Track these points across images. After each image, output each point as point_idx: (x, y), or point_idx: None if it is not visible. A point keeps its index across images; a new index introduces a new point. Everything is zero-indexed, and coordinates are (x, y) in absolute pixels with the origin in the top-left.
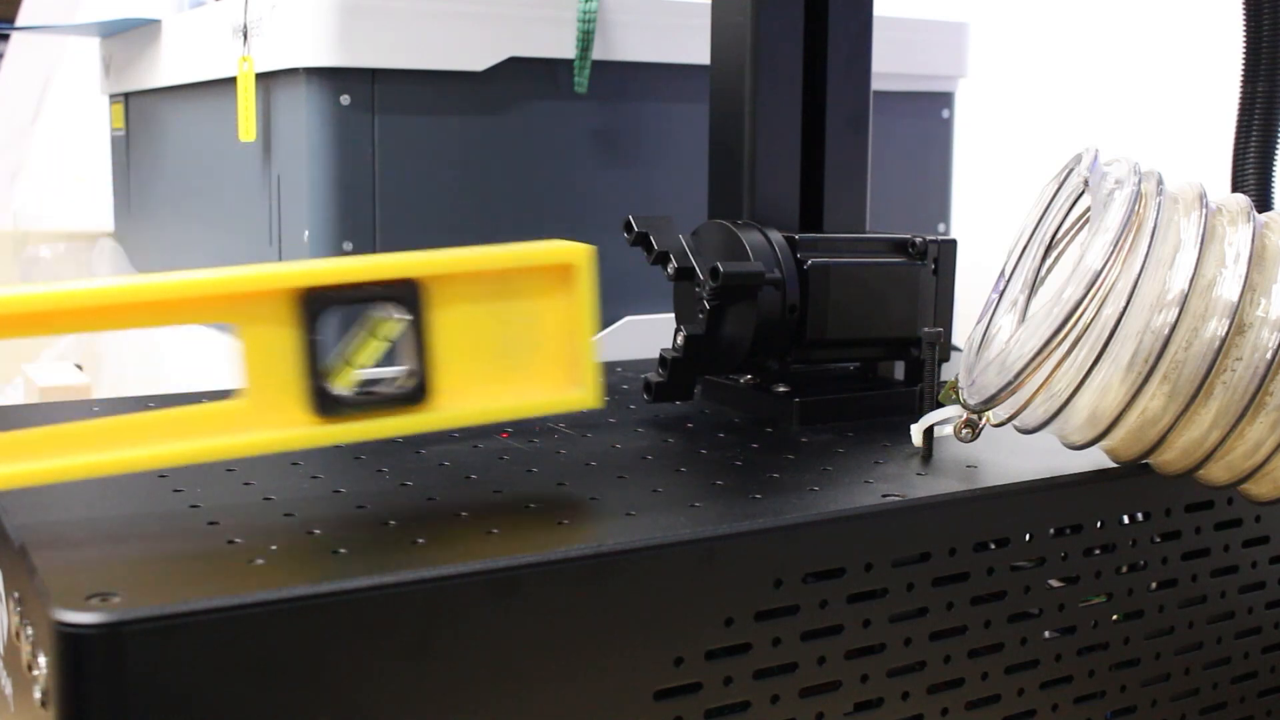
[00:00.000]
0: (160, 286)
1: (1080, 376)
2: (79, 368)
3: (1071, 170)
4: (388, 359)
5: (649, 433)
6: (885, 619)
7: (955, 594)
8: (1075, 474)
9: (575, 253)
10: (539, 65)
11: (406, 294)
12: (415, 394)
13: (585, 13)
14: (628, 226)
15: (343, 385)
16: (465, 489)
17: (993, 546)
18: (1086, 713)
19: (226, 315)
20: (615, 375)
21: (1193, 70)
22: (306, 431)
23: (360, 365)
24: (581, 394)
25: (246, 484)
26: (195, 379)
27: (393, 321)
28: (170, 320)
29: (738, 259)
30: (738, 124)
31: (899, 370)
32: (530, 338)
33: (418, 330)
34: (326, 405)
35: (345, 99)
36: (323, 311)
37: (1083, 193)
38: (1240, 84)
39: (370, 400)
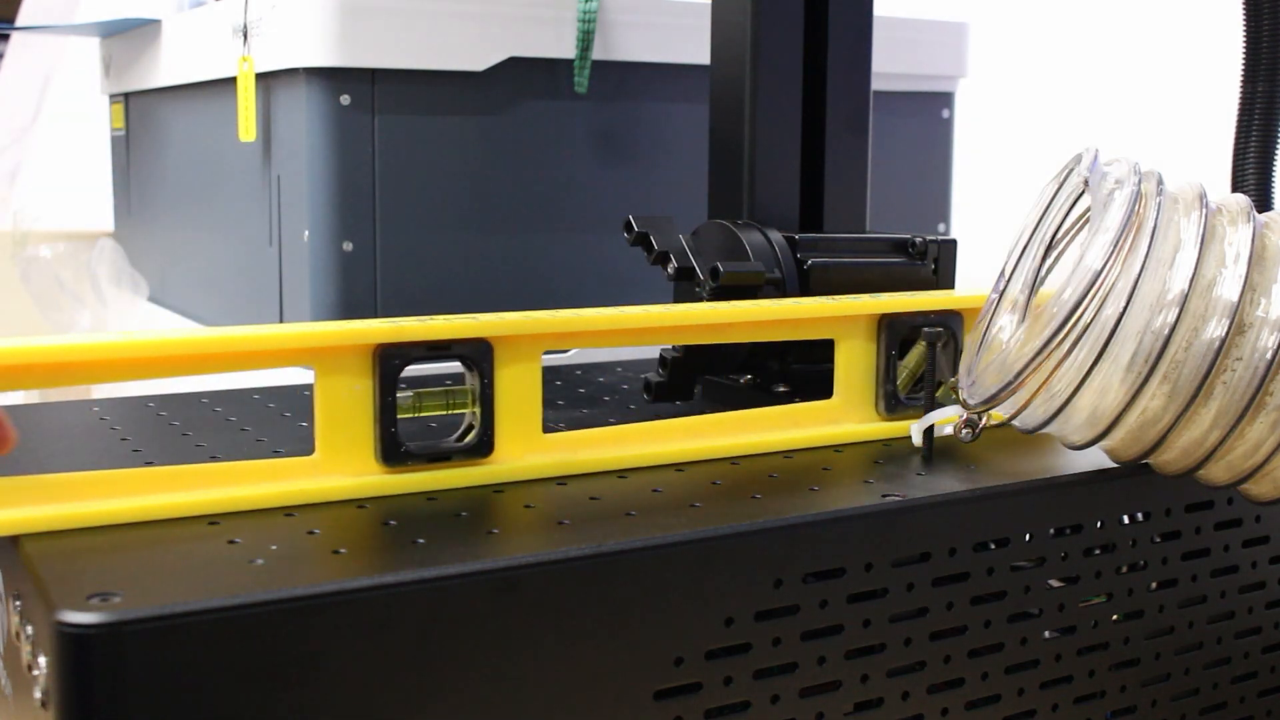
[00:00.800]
0: (769, 310)
1: (1080, 376)
2: None
3: (1071, 170)
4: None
5: None
6: (885, 619)
7: (955, 594)
8: (1075, 474)
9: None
10: (539, 65)
11: (952, 320)
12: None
13: (585, 13)
14: (628, 226)
15: (902, 390)
16: (464, 489)
17: (993, 546)
18: (1086, 713)
19: (827, 333)
20: (615, 375)
21: (1193, 70)
22: (877, 426)
23: (914, 374)
24: None
25: None
26: (194, 380)
27: (939, 341)
28: (775, 335)
29: (738, 259)
30: (738, 124)
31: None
32: None
33: (956, 348)
34: (891, 405)
35: (345, 99)
36: (897, 333)
37: (1083, 193)
38: (1240, 84)
39: (919, 402)
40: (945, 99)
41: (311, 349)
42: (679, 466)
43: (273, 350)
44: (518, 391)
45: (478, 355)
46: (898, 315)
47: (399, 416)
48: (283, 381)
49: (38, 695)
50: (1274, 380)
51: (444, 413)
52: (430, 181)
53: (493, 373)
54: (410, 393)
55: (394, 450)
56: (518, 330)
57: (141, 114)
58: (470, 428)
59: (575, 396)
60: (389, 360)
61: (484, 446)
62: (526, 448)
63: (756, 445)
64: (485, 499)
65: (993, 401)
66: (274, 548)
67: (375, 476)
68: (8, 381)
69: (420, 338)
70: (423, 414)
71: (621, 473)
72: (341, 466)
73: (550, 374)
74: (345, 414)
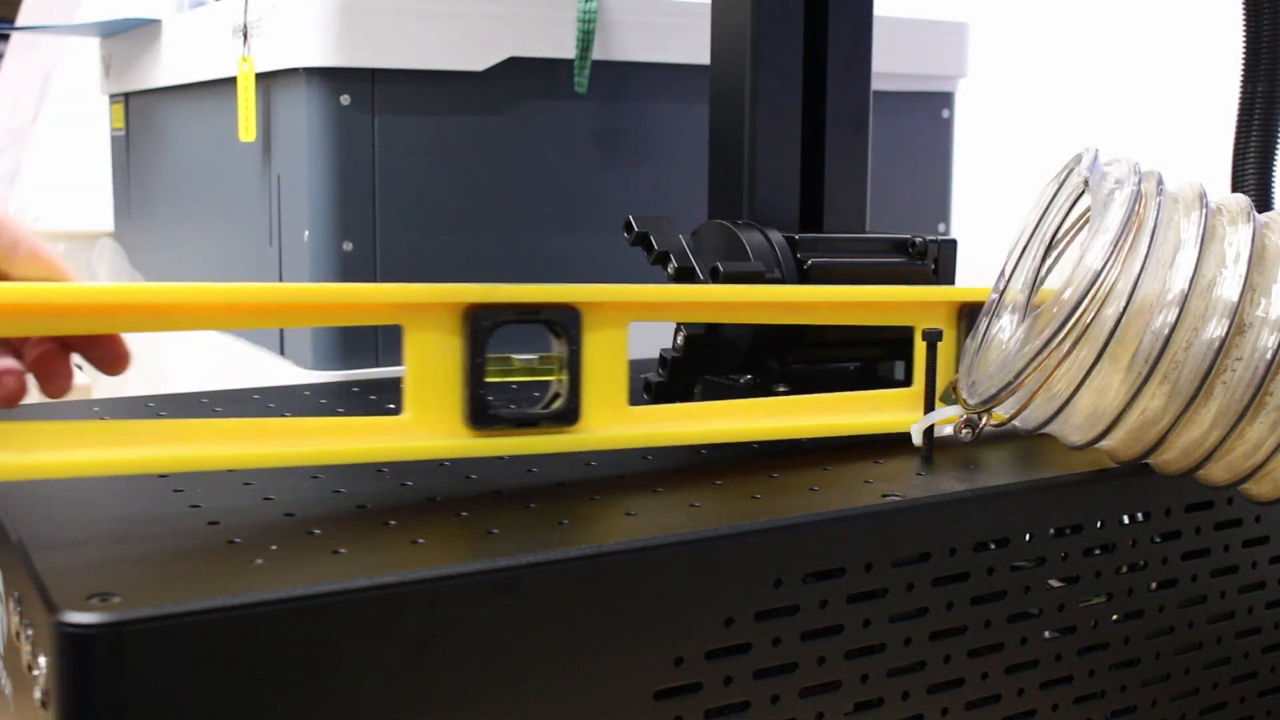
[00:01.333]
0: (852, 292)
1: (1080, 376)
2: (79, 368)
3: (1071, 170)
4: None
5: None
6: (885, 619)
7: (955, 594)
8: (1075, 474)
9: None
10: (539, 65)
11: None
12: None
13: (585, 13)
14: (628, 226)
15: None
16: (465, 489)
17: (993, 546)
18: (1086, 713)
19: (907, 319)
20: None
21: (1193, 70)
22: (956, 412)
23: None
24: None
25: (246, 484)
26: (196, 380)
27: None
28: (855, 318)
29: (738, 259)
30: (738, 124)
31: (899, 370)
32: None
33: None
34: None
35: (345, 99)
36: (970, 318)
37: (1083, 193)
38: (1240, 84)
39: None
40: (945, 99)
41: (401, 304)
42: (751, 445)
43: (363, 304)
44: (604, 361)
45: (566, 320)
46: (978, 304)
47: (487, 380)
48: (283, 381)
49: (38, 695)
50: (1274, 380)
51: (531, 379)
52: (430, 181)
53: (580, 339)
54: (498, 356)
55: (482, 413)
56: (606, 298)
57: (141, 114)
58: (557, 395)
59: None
60: (479, 321)
61: (570, 414)
62: (613, 418)
63: (838, 427)
64: (485, 499)
65: (993, 401)
66: (274, 547)
67: (463, 439)
68: (88, 323)
69: (510, 299)
70: (511, 378)
71: (700, 449)
72: (430, 426)
73: None
74: (434, 374)
